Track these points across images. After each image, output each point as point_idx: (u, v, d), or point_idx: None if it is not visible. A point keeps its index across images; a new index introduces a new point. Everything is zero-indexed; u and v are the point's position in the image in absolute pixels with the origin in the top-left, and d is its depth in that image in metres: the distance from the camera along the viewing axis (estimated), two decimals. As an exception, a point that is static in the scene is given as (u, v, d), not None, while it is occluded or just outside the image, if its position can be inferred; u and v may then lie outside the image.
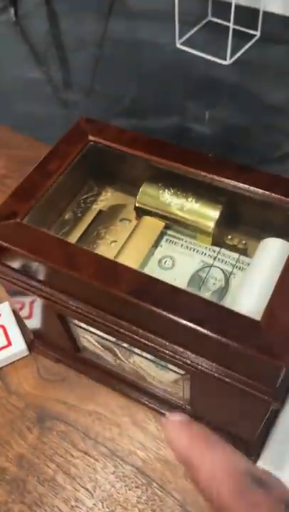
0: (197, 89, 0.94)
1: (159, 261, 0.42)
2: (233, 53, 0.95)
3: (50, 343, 0.53)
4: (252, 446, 0.45)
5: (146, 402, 0.49)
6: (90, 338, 0.45)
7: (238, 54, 0.97)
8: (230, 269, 0.41)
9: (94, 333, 0.43)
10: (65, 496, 0.46)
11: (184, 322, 0.33)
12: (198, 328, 0.32)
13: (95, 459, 0.48)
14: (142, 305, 0.34)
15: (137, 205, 0.44)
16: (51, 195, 0.42)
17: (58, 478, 0.47)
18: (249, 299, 0.36)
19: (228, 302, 0.39)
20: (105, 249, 0.43)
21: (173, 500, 0.45)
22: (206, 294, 0.39)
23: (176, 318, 0.33)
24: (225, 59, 0.95)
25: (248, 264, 0.41)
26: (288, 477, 0.21)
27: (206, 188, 0.41)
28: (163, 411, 0.49)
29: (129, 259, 0.41)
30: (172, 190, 0.43)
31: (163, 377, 0.43)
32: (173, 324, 0.33)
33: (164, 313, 0.33)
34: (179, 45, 1.00)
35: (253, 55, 0.97)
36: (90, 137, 0.44)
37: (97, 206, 0.47)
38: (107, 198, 0.48)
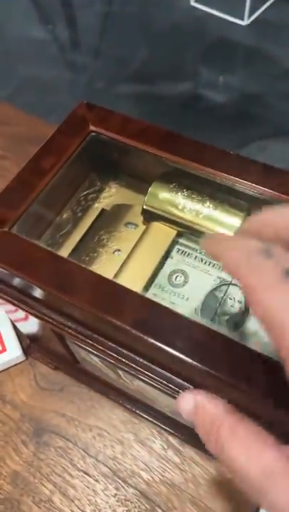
0: (211, 52, 0.85)
1: (169, 276, 0.36)
2: (251, 13, 0.86)
3: (48, 349, 0.48)
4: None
5: (152, 419, 0.45)
6: (90, 354, 0.40)
7: (257, 13, 0.88)
8: (251, 287, 0.35)
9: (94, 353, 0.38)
10: (62, 520, 0.42)
11: (195, 363, 0.28)
12: (212, 371, 0.27)
13: (95, 480, 0.44)
14: (145, 339, 0.29)
15: (144, 207, 0.38)
16: (46, 196, 0.36)
17: (54, 500, 0.43)
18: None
19: (249, 331, 0.33)
20: (107, 259, 0.38)
21: (179, 529, 0.41)
22: (222, 319, 0.34)
23: (185, 358, 0.28)
24: (242, 19, 0.86)
25: (272, 283, 0.35)
26: None
27: (226, 192, 0.35)
28: (169, 429, 0.45)
29: (135, 274, 0.36)
30: (187, 193, 0.37)
31: (170, 403, 0.38)
32: (181, 362, 0.28)
33: (173, 351, 0.28)
34: (193, 3, 0.90)
35: (273, 14, 0.88)
36: (92, 127, 0.38)
37: (100, 205, 0.41)
38: (111, 195, 0.42)
